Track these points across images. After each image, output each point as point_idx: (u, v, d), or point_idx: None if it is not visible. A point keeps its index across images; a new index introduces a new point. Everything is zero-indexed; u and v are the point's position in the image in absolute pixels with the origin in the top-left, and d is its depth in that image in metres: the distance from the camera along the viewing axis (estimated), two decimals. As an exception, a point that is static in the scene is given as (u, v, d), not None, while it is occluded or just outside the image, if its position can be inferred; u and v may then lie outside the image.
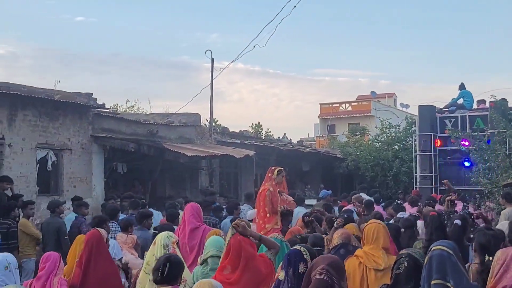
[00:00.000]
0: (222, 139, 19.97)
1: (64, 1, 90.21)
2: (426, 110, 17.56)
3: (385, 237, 5.33)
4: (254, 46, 14.83)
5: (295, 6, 13.51)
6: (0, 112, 12.53)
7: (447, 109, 18.05)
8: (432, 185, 16.87)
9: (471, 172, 15.44)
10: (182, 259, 4.87)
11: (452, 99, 18.50)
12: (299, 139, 38.76)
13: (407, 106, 43.57)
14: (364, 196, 13.65)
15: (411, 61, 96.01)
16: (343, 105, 43.94)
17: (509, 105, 16.19)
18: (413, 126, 22.28)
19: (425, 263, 3.71)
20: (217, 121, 24.71)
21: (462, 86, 18.16)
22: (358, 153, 22.68)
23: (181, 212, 9.89)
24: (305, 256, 4.17)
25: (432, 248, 3.71)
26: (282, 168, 10.01)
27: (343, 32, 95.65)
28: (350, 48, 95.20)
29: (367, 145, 22.88)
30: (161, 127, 17.38)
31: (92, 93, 15.12)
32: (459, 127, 16.79)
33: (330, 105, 44.24)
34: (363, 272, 5.08)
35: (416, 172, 17.67)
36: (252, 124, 37.29)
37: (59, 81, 14.58)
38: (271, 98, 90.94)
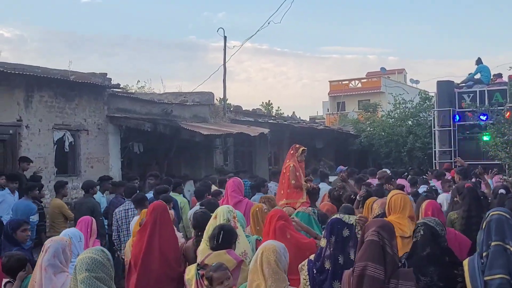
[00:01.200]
0: (235, 117, 19.80)
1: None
2: (445, 85, 17.38)
3: (410, 206, 5.58)
4: (269, 23, 14.55)
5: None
6: (16, 93, 12.40)
7: (464, 84, 17.83)
8: (451, 159, 16.69)
9: (488, 146, 15.29)
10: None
11: (469, 74, 18.26)
12: (309, 117, 38.55)
13: (417, 82, 43.24)
14: (388, 171, 13.69)
15: (420, 36, 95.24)
16: (353, 82, 43.54)
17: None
18: (426, 101, 22.11)
19: (483, 227, 3.84)
20: (226, 100, 24.53)
21: (479, 61, 17.92)
22: (371, 129, 22.51)
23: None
24: (347, 221, 4.52)
25: (490, 214, 3.86)
26: (305, 148, 9.98)
27: (350, 9, 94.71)
28: (358, 25, 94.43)
29: (380, 121, 22.69)
30: (175, 107, 17.21)
31: (106, 73, 14.95)
32: (478, 102, 16.66)
33: (340, 82, 43.85)
34: None
35: (435, 147, 17.55)
36: (263, 102, 37.11)
37: (72, 62, 14.43)
38: (279, 76, 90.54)
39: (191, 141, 16.16)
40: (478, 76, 17.88)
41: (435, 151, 17.56)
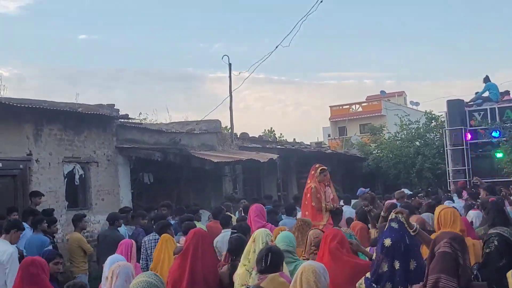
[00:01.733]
0: (243, 144, 19.57)
1: (66, 20, 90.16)
2: (455, 104, 17.29)
3: (460, 220, 5.56)
4: (276, 47, 14.36)
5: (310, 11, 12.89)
6: (26, 128, 12.16)
7: (473, 103, 17.73)
8: (466, 178, 16.49)
9: (503, 163, 15.15)
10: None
11: (476, 93, 18.18)
12: (310, 143, 38.33)
13: (417, 104, 43.23)
14: (406, 191, 13.56)
15: (415, 59, 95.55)
16: (354, 106, 43.53)
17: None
18: (433, 121, 21.95)
19: None
20: (229, 129, 24.31)
21: (487, 79, 17.86)
22: (379, 152, 22.29)
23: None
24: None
25: None
26: (325, 168, 9.77)
27: (345, 35, 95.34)
28: (354, 50, 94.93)
29: (387, 143, 22.47)
30: (183, 135, 16.99)
31: (114, 104, 14.77)
32: (489, 119, 16.56)
33: (341, 107, 43.84)
34: None
35: (448, 167, 17.37)
36: (265, 130, 36.90)
37: (79, 94, 14.25)
38: (277, 104, 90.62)
39: (200, 170, 15.93)
40: (486, 94, 17.77)
41: (448, 170, 17.34)
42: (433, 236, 5.14)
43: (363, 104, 43.29)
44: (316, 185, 9.46)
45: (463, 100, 17.84)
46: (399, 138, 22.47)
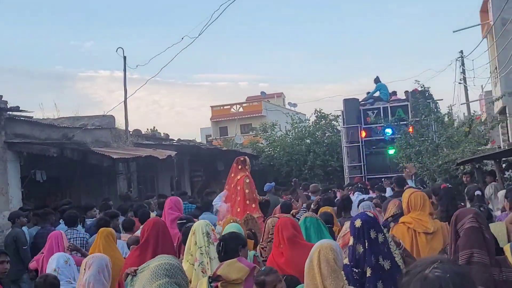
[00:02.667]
0: (138, 141, 18.64)
1: None
2: (351, 103, 17.73)
3: (429, 203, 5.68)
4: (182, 38, 13.75)
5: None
6: None
7: (365, 102, 18.29)
8: (361, 174, 16.92)
9: (398, 158, 15.73)
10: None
11: (368, 93, 18.81)
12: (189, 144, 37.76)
13: (295, 105, 44.31)
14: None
15: (288, 63, 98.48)
16: (235, 107, 43.62)
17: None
18: (322, 119, 22.43)
19: None
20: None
21: (377, 80, 18.55)
22: (271, 149, 22.34)
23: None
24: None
25: None
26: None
27: (221, 37, 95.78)
28: (228, 52, 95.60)
29: (279, 141, 22.58)
30: (76, 131, 15.79)
31: (1, 96, 13.30)
32: (382, 117, 17.13)
33: (222, 108, 43.73)
34: (412, 237, 5.36)
35: (345, 163, 17.77)
36: (147, 129, 35.62)
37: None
38: (152, 105, 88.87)
39: (94, 168, 14.91)
40: (377, 94, 18.41)
41: (346, 166, 17.75)
42: (404, 219, 5.55)
43: (244, 105, 43.52)
44: (249, 177, 9.47)
45: (358, 99, 18.34)
46: (290, 136, 22.69)
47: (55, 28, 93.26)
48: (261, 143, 23.83)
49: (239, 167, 9.63)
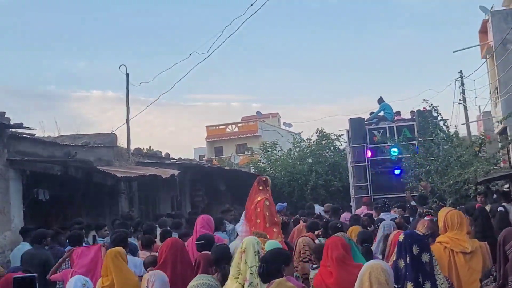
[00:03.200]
0: (140, 160, 18.23)
1: None
2: (357, 122, 17.52)
3: (467, 222, 5.54)
4: (190, 54, 13.48)
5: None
6: None
7: (370, 121, 18.12)
8: (367, 194, 16.65)
9: (402, 179, 15.55)
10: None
11: (371, 113, 18.66)
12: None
13: (290, 125, 44.13)
14: (318, 207, 13.48)
15: (280, 83, 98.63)
16: (230, 127, 43.32)
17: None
18: (324, 139, 22.18)
19: None
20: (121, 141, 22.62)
21: (381, 100, 18.42)
22: (272, 168, 22.00)
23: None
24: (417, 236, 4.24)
25: None
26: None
27: (213, 56, 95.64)
28: (221, 72, 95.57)
29: (281, 160, 22.24)
30: (78, 149, 15.35)
31: (4, 112, 12.89)
32: (389, 137, 16.93)
33: (217, 127, 43.43)
34: (450, 257, 5.22)
35: (351, 183, 17.53)
36: (144, 148, 35.10)
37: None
38: (144, 125, 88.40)
39: (96, 187, 14.50)
40: (381, 113, 18.25)
41: (352, 186, 17.49)
42: (441, 238, 5.40)
43: (239, 125, 43.25)
44: (270, 199, 8.74)
45: (363, 118, 18.14)
46: (292, 156, 22.38)
47: (45, 47, 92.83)
48: (262, 163, 23.47)
49: (260, 187, 9.01)
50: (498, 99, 23.04)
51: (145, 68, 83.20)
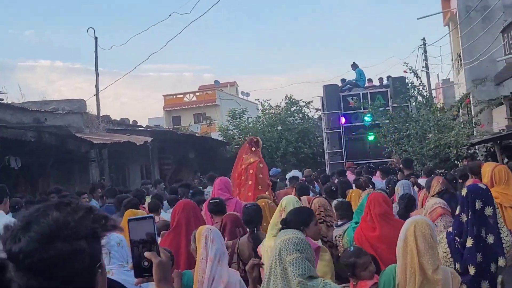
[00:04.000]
0: (109, 127, 17.46)
1: None
2: (332, 89, 17.26)
3: None
4: (170, 15, 12.74)
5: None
6: None
7: (344, 88, 17.91)
8: (342, 160, 16.47)
9: (379, 144, 15.45)
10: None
11: (342, 80, 18.49)
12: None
13: (247, 94, 43.68)
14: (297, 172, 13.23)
15: (233, 54, 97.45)
16: (188, 96, 42.42)
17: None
18: (293, 106, 21.88)
19: None
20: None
21: (355, 65, 18.19)
22: (242, 136, 21.58)
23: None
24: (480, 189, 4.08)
25: None
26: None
27: (167, 27, 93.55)
28: (174, 43, 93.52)
29: (251, 127, 21.80)
30: (47, 115, 14.51)
31: (-29, 74, 11.96)
32: (365, 102, 16.77)
33: (175, 96, 42.46)
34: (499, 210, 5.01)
35: (325, 149, 17.31)
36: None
37: None
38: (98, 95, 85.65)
39: (67, 155, 13.77)
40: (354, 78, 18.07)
41: (326, 152, 17.27)
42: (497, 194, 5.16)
43: (197, 94, 42.41)
44: (263, 162, 8.58)
45: (337, 85, 17.91)
46: (261, 123, 22.00)
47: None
48: (230, 130, 22.98)
49: (252, 148, 8.71)
50: (460, 66, 23.18)
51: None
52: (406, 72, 15.36)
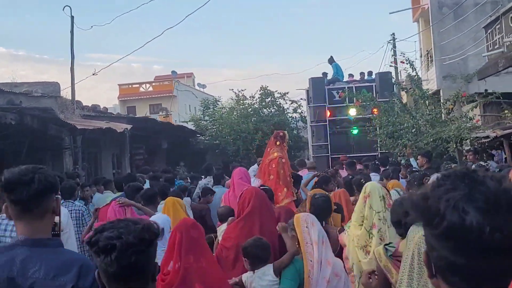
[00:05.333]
0: (84, 113, 16.11)
1: None
2: (318, 82, 16.70)
3: None
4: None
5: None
6: None
7: (329, 82, 17.43)
8: (327, 153, 15.92)
9: (369, 137, 15.04)
10: None
11: (323, 73, 17.98)
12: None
13: (204, 86, 42.62)
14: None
15: (184, 47, 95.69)
16: (144, 86, 40.85)
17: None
18: (268, 97, 21.18)
19: None
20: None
21: (332, 59, 17.91)
22: (215, 126, 20.62)
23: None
24: None
25: None
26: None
27: (114, 15, 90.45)
28: (123, 34, 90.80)
29: (225, 119, 20.83)
30: (21, 97, 13.10)
31: None
32: (347, 98, 16.31)
33: (130, 86, 40.82)
34: None
35: (309, 142, 16.77)
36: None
37: None
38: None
39: (40, 142, 12.52)
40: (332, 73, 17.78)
41: (310, 145, 16.70)
42: None
43: (154, 84, 40.90)
44: (285, 157, 8.06)
45: (323, 78, 17.35)
46: (235, 114, 21.09)
47: None
48: (204, 121, 21.93)
49: (277, 142, 8.21)
50: (430, 62, 23.07)
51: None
52: (403, 63, 14.88)
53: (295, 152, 20.63)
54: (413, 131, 13.45)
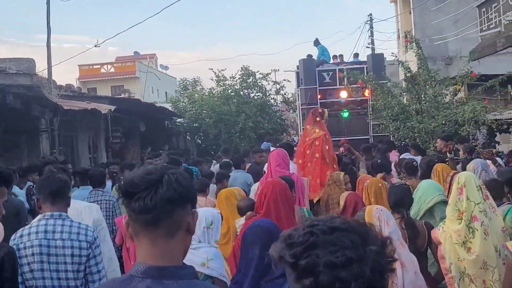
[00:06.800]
0: (62, 93, 14.45)
1: None
2: (308, 63, 15.65)
3: None
4: None
5: None
6: None
7: (319, 63, 16.51)
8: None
9: (368, 119, 14.31)
10: None
11: (308, 55, 17.06)
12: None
13: (166, 68, 40.95)
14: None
15: (139, 28, 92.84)
16: (105, 67, 38.74)
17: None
18: (250, 77, 20.04)
19: None
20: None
21: (317, 41, 17.12)
22: (194, 108, 19.25)
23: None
24: None
25: None
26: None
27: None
28: (75, 15, 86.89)
29: (207, 100, 19.43)
30: (-4, 75, 11.43)
31: None
32: (337, 80, 15.46)
33: (91, 67, 38.63)
34: None
35: (299, 125, 15.93)
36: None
37: None
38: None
39: (14, 124, 11.09)
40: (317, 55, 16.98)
41: (301, 128, 15.75)
42: None
43: (116, 65, 38.85)
44: (328, 134, 7.62)
45: (314, 59, 16.32)
46: (215, 95, 19.75)
47: None
48: (182, 102, 20.47)
49: (317, 118, 7.56)
50: (409, 44, 22.37)
51: None
52: (409, 42, 14.04)
53: (278, 135, 19.56)
54: (422, 114, 12.64)
